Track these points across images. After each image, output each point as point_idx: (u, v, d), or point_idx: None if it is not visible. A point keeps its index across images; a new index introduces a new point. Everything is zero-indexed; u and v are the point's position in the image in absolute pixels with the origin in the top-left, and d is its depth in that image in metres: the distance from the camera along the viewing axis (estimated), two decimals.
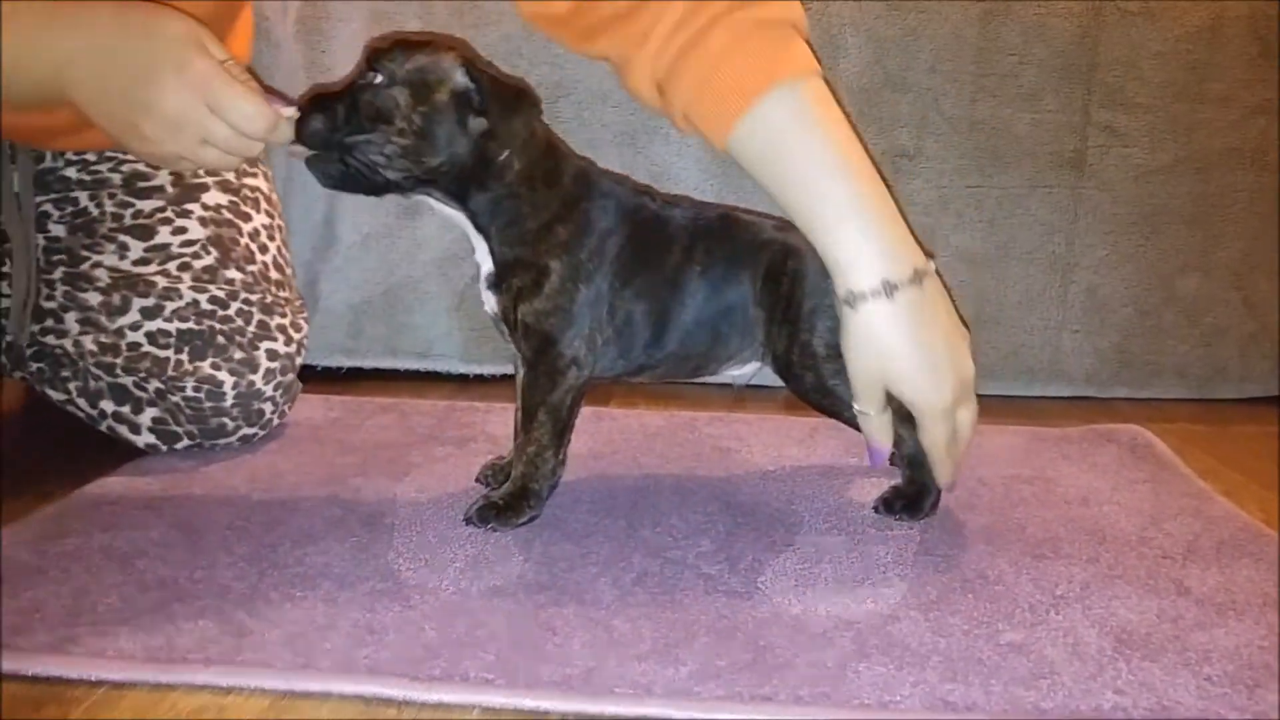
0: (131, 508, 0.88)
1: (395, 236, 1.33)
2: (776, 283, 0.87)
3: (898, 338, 0.77)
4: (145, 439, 1.01)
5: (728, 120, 0.79)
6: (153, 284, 1.00)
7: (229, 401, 1.00)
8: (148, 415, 1.00)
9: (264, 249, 1.08)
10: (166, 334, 0.98)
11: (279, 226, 1.13)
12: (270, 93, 0.81)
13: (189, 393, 0.98)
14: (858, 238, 0.77)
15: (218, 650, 0.65)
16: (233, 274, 1.02)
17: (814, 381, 0.88)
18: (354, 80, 0.81)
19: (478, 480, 0.95)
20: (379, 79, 0.79)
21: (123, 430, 1.01)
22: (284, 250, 1.12)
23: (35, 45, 0.77)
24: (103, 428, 1.02)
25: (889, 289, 0.76)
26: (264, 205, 1.11)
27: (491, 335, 1.36)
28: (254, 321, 1.02)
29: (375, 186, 0.81)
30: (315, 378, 1.35)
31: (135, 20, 0.78)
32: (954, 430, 0.81)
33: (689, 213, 0.89)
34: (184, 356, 0.98)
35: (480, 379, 1.39)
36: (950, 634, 0.69)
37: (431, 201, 0.85)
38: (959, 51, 1.23)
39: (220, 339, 0.99)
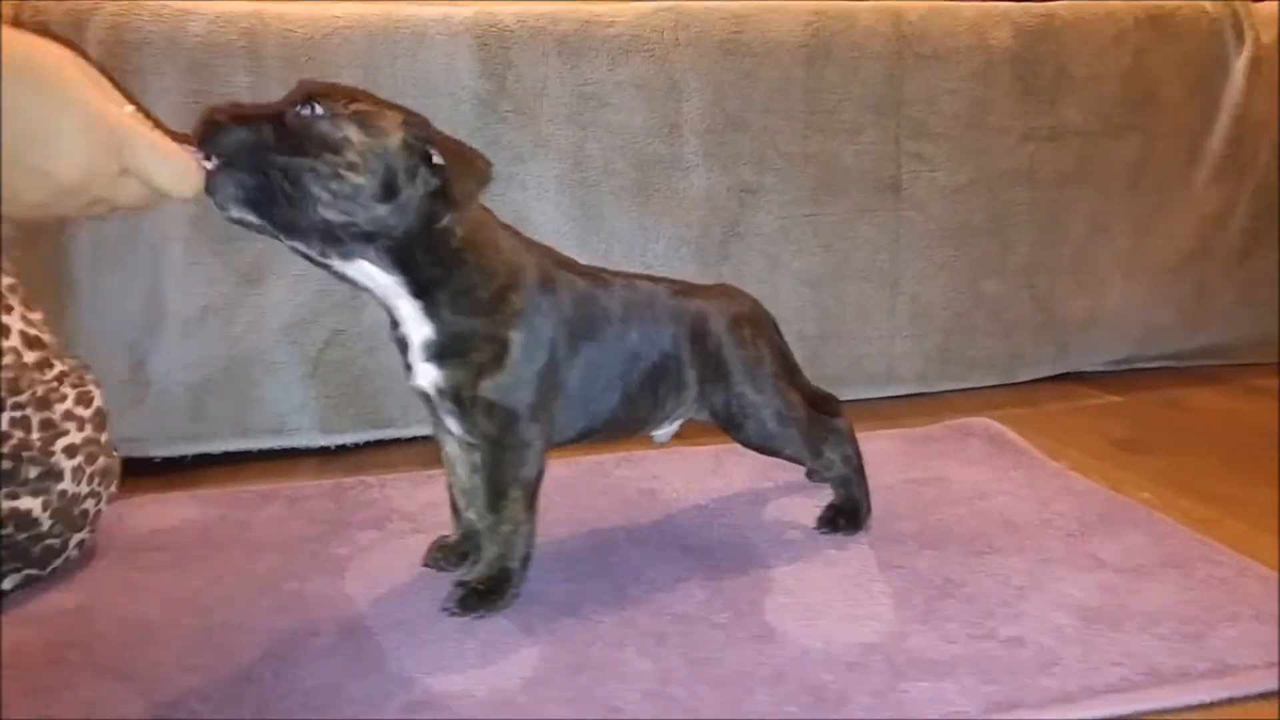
0: (41, 664, 0.76)
1: (237, 305, 1.23)
2: (703, 344, 0.91)
3: None
4: None
5: None
6: None
7: (46, 525, 0.86)
8: None
9: (4, 330, 0.87)
10: None
11: (11, 285, 0.91)
12: (174, 137, 0.68)
13: None
14: None
15: None
16: None
17: (755, 427, 0.93)
18: (280, 108, 0.72)
19: (427, 564, 0.91)
20: (318, 110, 0.71)
21: None
22: (27, 313, 0.91)
23: None
24: None
25: None
26: None
27: (352, 401, 1.29)
28: (35, 424, 0.86)
29: (300, 224, 0.71)
30: (154, 470, 1.21)
31: (15, 56, 0.59)
32: None
33: (612, 286, 0.89)
34: None
35: (343, 449, 1.31)
36: (957, 640, 0.76)
37: (356, 270, 0.77)
38: (789, 92, 1.33)
39: (4, 464, 0.83)
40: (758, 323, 0.95)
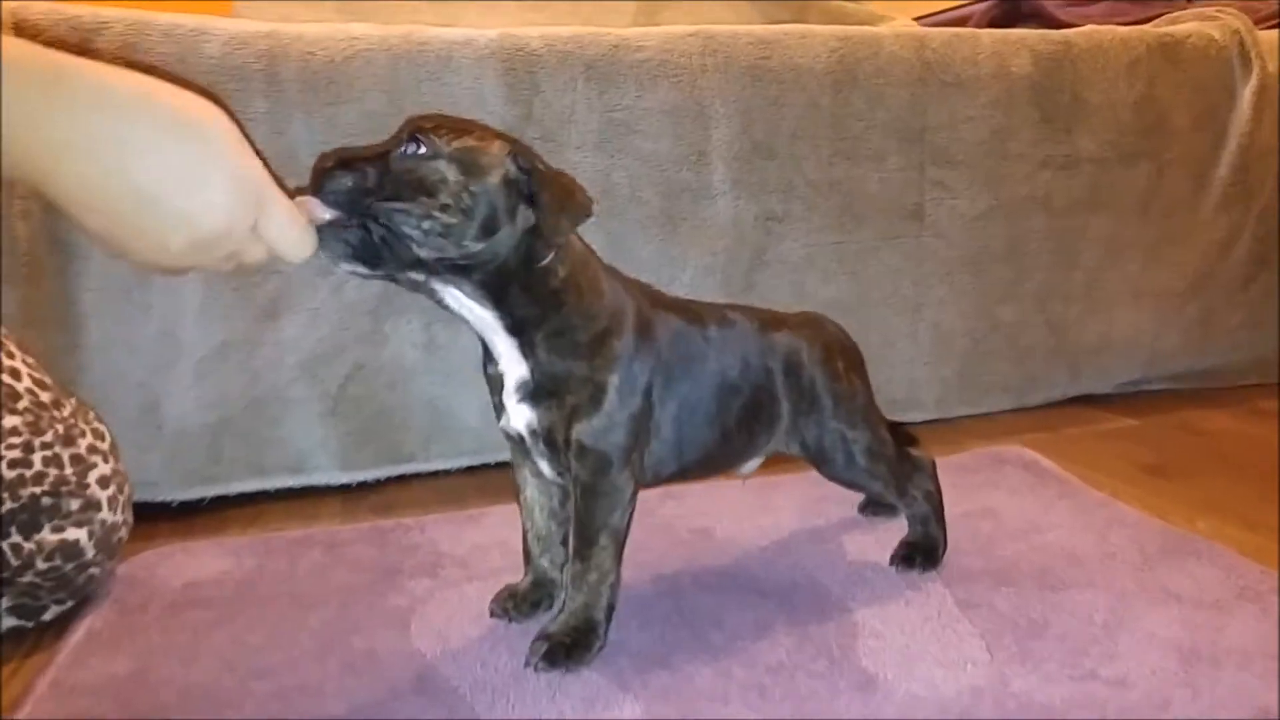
0: None
1: (255, 341, 1.18)
2: (797, 377, 0.90)
3: None
4: (7, 623, 0.86)
5: None
6: None
7: (90, 554, 0.87)
8: None
9: (15, 374, 0.87)
10: None
11: (2, 332, 0.92)
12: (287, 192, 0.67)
13: (41, 566, 0.84)
14: None
15: None
16: (9, 420, 0.84)
17: (845, 461, 0.92)
18: (387, 148, 0.72)
19: (495, 615, 0.88)
20: (422, 149, 0.71)
21: None
22: (26, 356, 0.91)
23: (21, 117, 0.53)
24: None
25: None
26: None
27: (373, 437, 1.25)
28: (66, 460, 0.87)
29: (398, 263, 0.71)
30: (170, 516, 1.15)
31: (168, 108, 0.58)
32: None
33: (707, 324, 0.87)
34: (18, 539, 0.82)
35: (364, 487, 1.26)
36: (1059, 681, 0.75)
37: (452, 298, 0.76)
38: (816, 119, 1.32)
39: (45, 500, 0.84)
40: (849, 355, 0.95)
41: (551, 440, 0.80)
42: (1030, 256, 1.46)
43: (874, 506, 1.09)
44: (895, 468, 0.94)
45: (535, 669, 0.78)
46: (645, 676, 0.77)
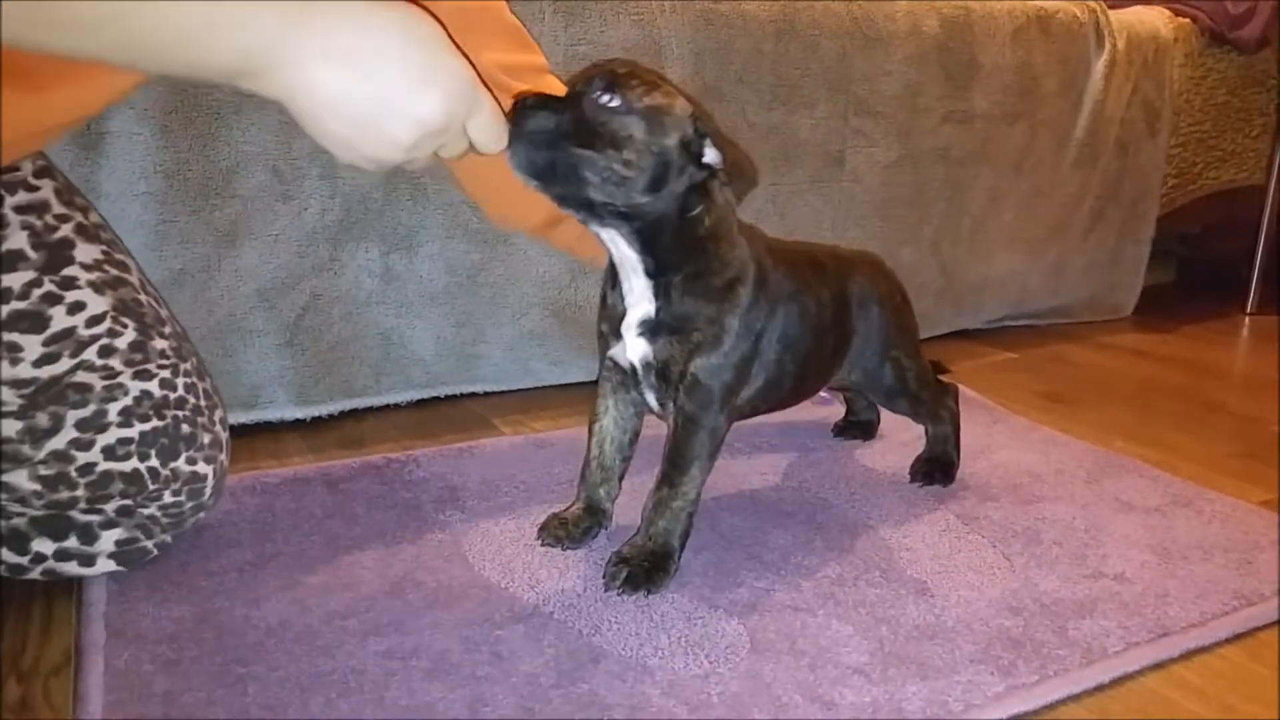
0: (239, 682, 0.66)
1: (213, 270, 1.08)
2: (868, 314, 0.98)
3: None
4: (103, 568, 0.80)
5: None
6: (86, 386, 0.75)
7: (208, 494, 0.83)
8: (108, 539, 0.79)
9: (157, 300, 0.87)
10: (127, 442, 0.76)
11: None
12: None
13: (168, 499, 0.80)
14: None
15: None
16: (159, 343, 0.82)
17: (899, 388, 1.02)
18: (578, 89, 0.75)
19: (547, 543, 0.89)
20: (614, 102, 0.74)
21: (68, 568, 0.79)
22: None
23: (248, 21, 0.57)
24: (36, 574, 0.78)
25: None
26: (119, 243, 0.87)
27: (328, 370, 1.19)
28: (201, 392, 0.84)
29: (566, 195, 0.76)
30: None
31: (400, 17, 0.62)
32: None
33: (809, 270, 0.92)
34: (156, 462, 0.78)
35: (319, 421, 1.20)
36: (1076, 580, 0.87)
37: (607, 235, 0.80)
38: (759, 64, 1.37)
39: (185, 427, 0.80)
40: (903, 292, 1.04)
41: (665, 374, 0.83)
42: (930, 204, 1.59)
43: (849, 429, 1.18)
44: (933, 392, 1.04)
45: (619, 593, 0.80)
46: (725, 595, 0.82)
